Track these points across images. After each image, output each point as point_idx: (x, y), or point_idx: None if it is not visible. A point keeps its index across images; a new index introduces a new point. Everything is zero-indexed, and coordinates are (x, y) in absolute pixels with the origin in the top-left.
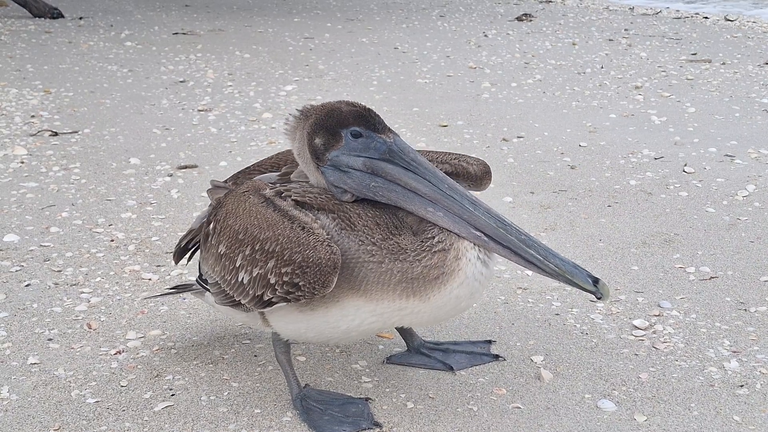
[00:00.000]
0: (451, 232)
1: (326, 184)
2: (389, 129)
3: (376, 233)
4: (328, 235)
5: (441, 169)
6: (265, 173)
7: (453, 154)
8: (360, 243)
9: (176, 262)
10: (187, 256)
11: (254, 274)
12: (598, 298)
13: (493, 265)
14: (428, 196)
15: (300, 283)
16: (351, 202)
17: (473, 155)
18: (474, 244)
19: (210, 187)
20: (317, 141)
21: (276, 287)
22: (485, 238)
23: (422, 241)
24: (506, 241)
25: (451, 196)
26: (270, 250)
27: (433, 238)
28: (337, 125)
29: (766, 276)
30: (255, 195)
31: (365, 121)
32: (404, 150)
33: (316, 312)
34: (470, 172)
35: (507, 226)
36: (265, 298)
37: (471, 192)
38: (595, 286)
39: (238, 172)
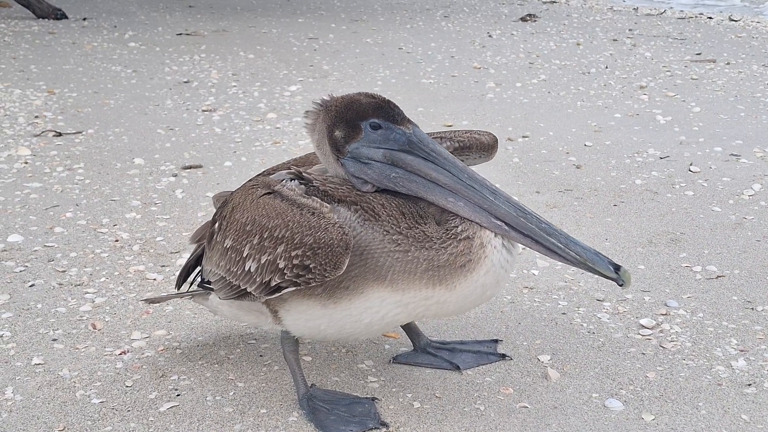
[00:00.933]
0: (472, 221)
1: (346, 176)
2: (408, 120)
3: (402, 222)
4: (349, 227)
5: (456, 145)
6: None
7: (462, 130)
8: (385, 233)
9: (178, 287)
10: (189, 279)
11: (262, 261)
12: (620, 285)
13: (517, 252)
14: (449, 186)
15: (311, 265)
16: (376, 194)
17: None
18: (495, 234)
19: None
20: (337, 133)
21: (285, 271)
22: (506, 227)
23: (447, 230)
24: (527, 229)
25: (471, 185)
26: (279, 236)
27: (457, 227)
28: (357, 117)
29: None
30: (261, 188)
31: (384, 112)
32: (423, 141)
33: (339, 305)
34: (483, 142)
35: (527, 215)
36: (273, 283)
37: (490, 181)
38: (616, 273)
39: (258, 174)
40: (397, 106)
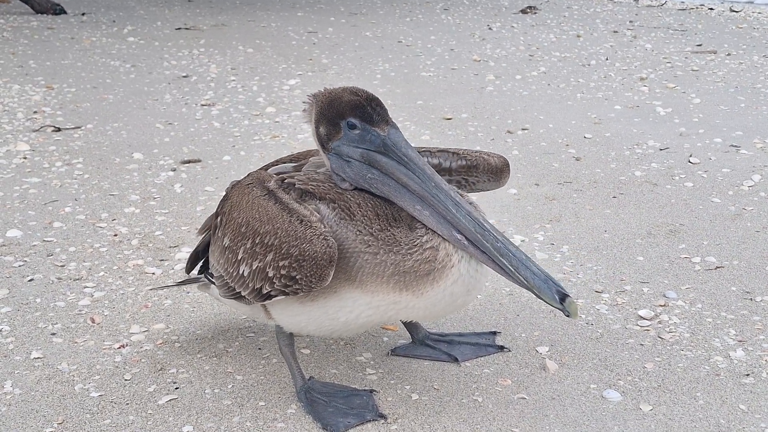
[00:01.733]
0: (435, 232)
1: (330, 171)
2: (386, 121)
3: (374, 224)
4: (326, 227)
5: (462, 163)
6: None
7: (472, 149)
8: (357, 233)
9: (188, 272)
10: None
11: (254, 267)
12: (567, 316)
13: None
14: (417, 193)
15: (297, 277)
16: (355, 192)
17: (477, 148)
18: (454, 247)
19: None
20: (321, 130)
21: (274, 280)
22: (465, 242)
23: (414, 237)
24: (483, 246)
25: (436, 195)
26: (269, 243)
27: (422, 237)
28: (336, 116)
29: None
30: (258, 187)
31: (362, 112)
32: (397, 144)
33: (316, 303)
34: (491, 164)
35: (485, 232)
36: (264, 291)
37: (455, 193)
38: (561, 304)
39: (259, 169)
40: (377, 106)
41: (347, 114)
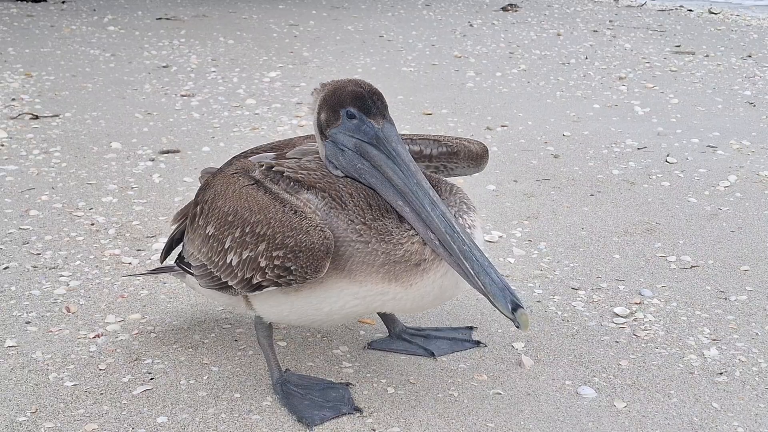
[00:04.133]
0: (413, 228)
1: (324, 158)
2: (383, 115)
3: (367, 213)
4: (320, 217)
5: (443, 150)
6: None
7: (453, 136)
8: (349, 222)
9: (162, 261)
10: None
11: (244, 257)
12: (516, 327)
13: None
14: (399, 188)
15: (292, 268)
16: (347, 182)
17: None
18: (425, 245)
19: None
20: (322, 116)
21: (266, 270)
22: (437, 242)
23: (405, 228)
24: (449, 247)
25: (416, 192)
26: (261, 233)
27: (410, 229)
28: (338, 104)
29: (747, 265)
30: (244, 177)
31: (361, 103)
32: (389, 138)
33: (300, 293)
34: (471, 150)
35: (454, 234)
36: (255, 281)
37: (434, 192)
38: (513, 314)
39: (235, 156)
40: (378, 99)
41: (348, 103)
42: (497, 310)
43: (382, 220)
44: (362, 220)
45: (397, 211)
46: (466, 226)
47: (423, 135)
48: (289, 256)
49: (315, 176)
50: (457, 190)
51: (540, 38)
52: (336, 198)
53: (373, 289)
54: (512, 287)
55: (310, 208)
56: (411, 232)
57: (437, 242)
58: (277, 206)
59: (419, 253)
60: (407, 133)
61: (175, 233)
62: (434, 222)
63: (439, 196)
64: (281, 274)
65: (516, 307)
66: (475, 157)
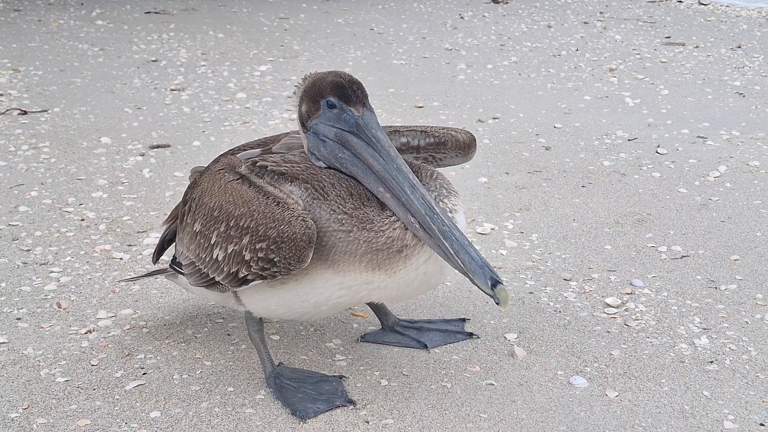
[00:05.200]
0: (395, 214)
1: (306, 150)
2: (363, 103)
3: (348, 202)
4: (303, 209)
5: (431, 140)
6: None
7: (440, 126)
8: (331, 212)
9: (154, 262)
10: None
11: (229, 251)
12: (497, 303)
13: None
14: (379, 174)
15: (275, 259)
16: (329, 172)
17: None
18: (406, 229)
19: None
20: (303, 108)
21: (251, 263)
22: (417, 226)
23: (387, 215)
24: (429, 228)
25: (396, 176)
26: (245, 225)
27: (391, 215)
28: (318, 94)
29: (737, 255)
30: (230, 172)
31: (341, 92)
32: (369, 125)
33: (286, 286)
34: (459, 140)
35: (434, 215)
36: (240, 275)
37: (413, 176)
38: (492, 290)
39: (223, 153)
40: (359, 89)
41: (328, 93)
42: (476, 287)
43: (363, 209)
44: (343, 209)
45: (378, 199)
46: (448, 210)
47: (410, 126)
48: (272, 247)
49: (298, 168)
50: (438, 176)
51: (531, 30)
52: (318, 189)
53: (358, 279)
54: (492, 266)
55: (293, 199)
56: (392, 219)
57: (417, 225)
58: (261, 199)
59: (401, 239)
60: (398, 125)
61: (166, 233)
62: (414, 204)
63: (420, 181)
64: (265, 267)
65: (495, 283)
66: (462, 147)
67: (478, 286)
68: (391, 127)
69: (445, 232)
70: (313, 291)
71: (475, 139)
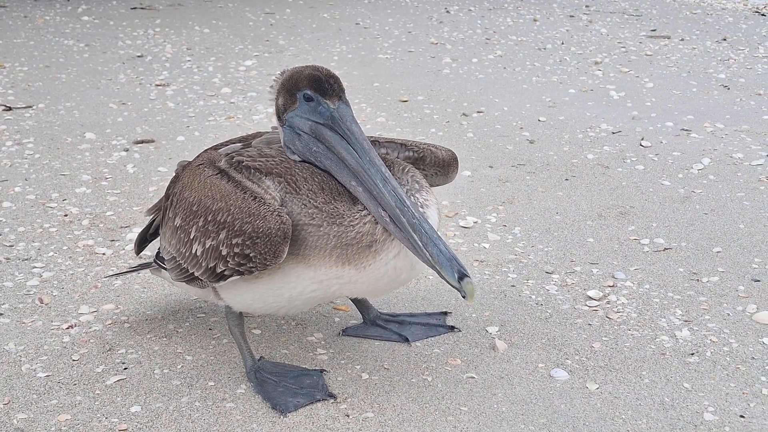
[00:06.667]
0: (366, 208)
1: (282, 144)
2: (339, 96)
3: (319, 197)
4: (281, 204)
5: (410, 154)
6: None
7: (423, 142)
8: (303, 206)
9: (137, 254)
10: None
11: (207, 246)
12: (463, 297)
13: None
14: (351, 167)
15: (251, 254)
16: (303, 166)
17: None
18: (376, 223)
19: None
20: (279, 101)
21: (228, 259)
22: (387, 219)
23: (357, 210)
24: (399, 221)
25: (368, 169)
26: (222, 220)
27: (363, 209)
28: (294, 87)
29: (719, 247)
30: (209, 167)
31: (318, 85)
32: (344, 118)
33: (261, 280)
34: (438, 156)
35: (404, 208)
36: (218, 270)
37: (385, 169)
38: (459, 283)
39: (208, 148)
40: (336, 81)
41: (304, 85)
42: (444, 280)
43: (333, 203)
44: (314, 203)
45: (351, 194)
46: (419, 204)
47: (390, 138)
48: (247, 242)
49: (272, 162)
50: (411, 170)
51: (516, 24)
52: (291, 183)
53: (328, 273)
54: (461, 260)
55: (270, 194)
56: (363, 213)
57: (388, 219)
58: (238, 193)
59: (370, 234)
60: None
61: (150, 228)
62: (385, 197)
63: (393, 175)
64: (242, 262)
65: (462, 276)
66: (441, 164)
67: (446, 279)
68: (370, 137)
69: (415, 225)
70: (286, 285)
71: (456, 159)
